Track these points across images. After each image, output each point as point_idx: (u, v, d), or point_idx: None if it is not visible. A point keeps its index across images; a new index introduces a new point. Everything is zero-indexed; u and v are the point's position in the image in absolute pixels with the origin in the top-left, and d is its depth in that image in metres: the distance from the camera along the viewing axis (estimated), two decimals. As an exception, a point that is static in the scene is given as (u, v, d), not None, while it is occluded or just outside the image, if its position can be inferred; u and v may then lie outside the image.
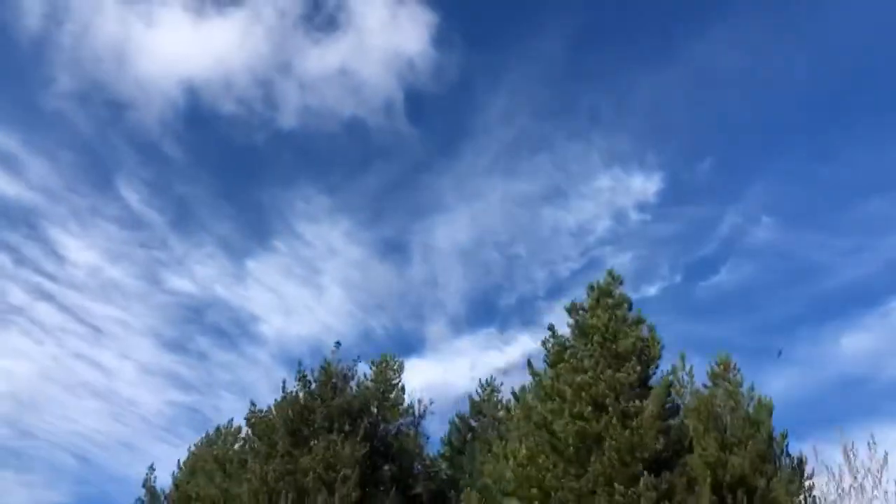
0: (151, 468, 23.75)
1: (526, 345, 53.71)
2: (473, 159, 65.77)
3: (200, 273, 59.93)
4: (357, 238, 64.18)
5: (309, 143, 62.47)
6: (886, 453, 12.51)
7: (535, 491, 12.91)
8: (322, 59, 60.29)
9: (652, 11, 61.57)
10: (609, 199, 60.65)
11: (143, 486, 23.23)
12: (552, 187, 62.76)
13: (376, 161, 65.48)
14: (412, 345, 59.63)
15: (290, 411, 17.53)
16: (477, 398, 21.47)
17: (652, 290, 57.96)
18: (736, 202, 60.74)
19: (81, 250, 56.21)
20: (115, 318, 55.79)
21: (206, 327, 58.12)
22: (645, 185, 58.14)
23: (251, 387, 57.26)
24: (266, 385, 57.29)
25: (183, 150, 59.50)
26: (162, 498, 22.46)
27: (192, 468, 21.22)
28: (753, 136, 61.29)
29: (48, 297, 54.13)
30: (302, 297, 61.24)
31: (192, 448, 22.23)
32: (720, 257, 59.71)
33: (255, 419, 18.13)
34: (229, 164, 64.69)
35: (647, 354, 14.27)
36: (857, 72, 53.71)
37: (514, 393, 16.33)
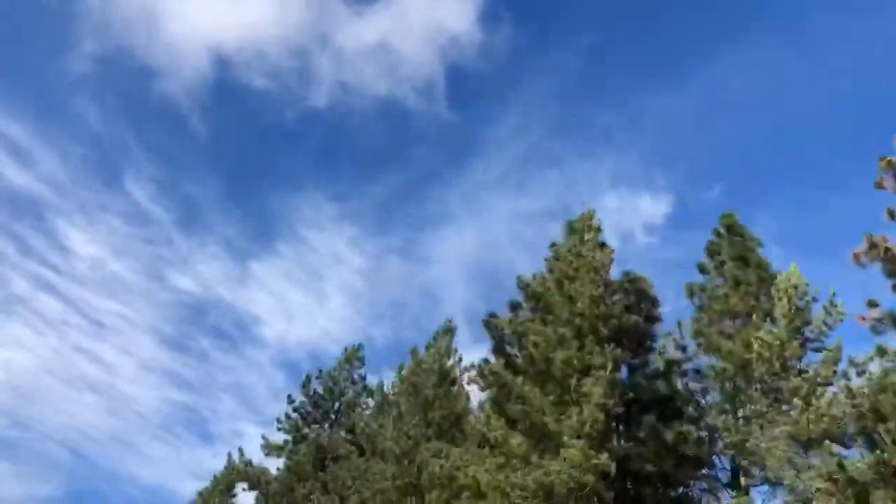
0: None
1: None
2: (482, 173, 65.63)
3: (204, 273, 59.96)
4: (361, 246, 64.04)
5: (341, 122, 61.97)
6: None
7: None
8: (362, 32, 58.82)
9: (665, 33, 61.92)
10: (616, 219, 60.50)
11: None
12: (559, 205, 62.50)
13: (411, 144, 64.11)
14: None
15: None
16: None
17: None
18: (744, 230, 60.23)
19: (86, 244, 56.44)
20: (116, 313, 56.07)
21: (208, 327, 58.27)
22: (653, 207, 57.90)
23: (250, 389, 56.89)
24: (265, 388, 56.97)
25: (208, 126, 59.16)
26: None
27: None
28: (764, 162, 61.05)
29: (51, 288, 54.18)
30: (304, 301, 61.33)
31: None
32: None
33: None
34: (256, 143, 64.21)
35: None
36: (871, 98, 54.12)
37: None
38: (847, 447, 13.01)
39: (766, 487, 15.39)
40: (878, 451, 11.27)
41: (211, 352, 59.94)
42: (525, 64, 66.56)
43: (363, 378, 27.85)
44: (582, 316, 14.91)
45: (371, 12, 60.57)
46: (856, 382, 13.30)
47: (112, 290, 59.27)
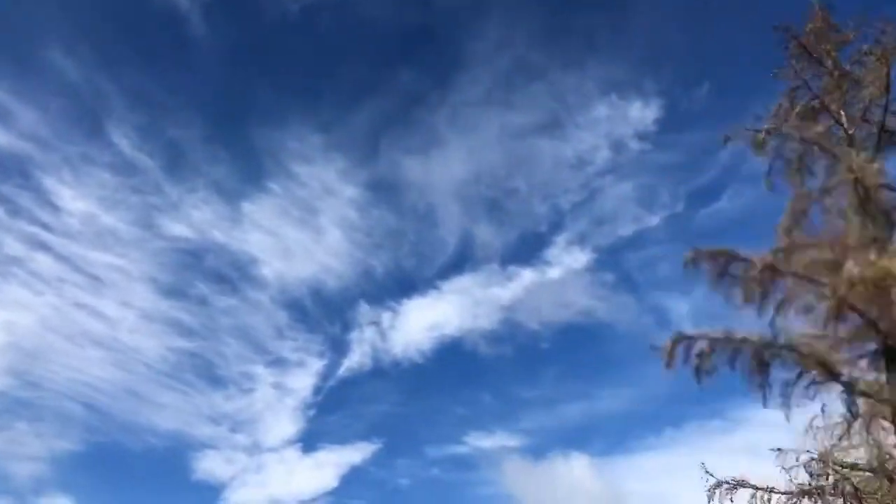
0: None
1: (529, 279, 53.92)
2: (467, 91, 64.19)
3: (196, 217, 59.39)
4: (352, 177, 63.50)
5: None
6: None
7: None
8: None
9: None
10: (607, 128, 59.46)
11: None
12: (549, 118, 61.49)
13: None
14: (413, 283, 59.83)
15: None
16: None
17: (655, 220, 57.39)
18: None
19: (75, 199, 55.66)
20: (112, 266, 55.67)
21: (205, 272, 58.06)
22: (643, 113, 56.75)
23: (254, 330, 57.62)
24: (269, 328, 57.68)
25: (209, 27, 55.97)
26: None
27: None
28: (753, 57, 59.24)
29: (45, 247, 53.92)
30: (300, 238, 60.91)
31: None
32: (721, 184, 59.26)
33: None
34: (256, 45, 60.82)
35: None
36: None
37: None
38: None
39: None
40: None
41: (211, 296, 59.95)
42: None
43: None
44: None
45: None
46: None
47: (106, 244, 58.72)
